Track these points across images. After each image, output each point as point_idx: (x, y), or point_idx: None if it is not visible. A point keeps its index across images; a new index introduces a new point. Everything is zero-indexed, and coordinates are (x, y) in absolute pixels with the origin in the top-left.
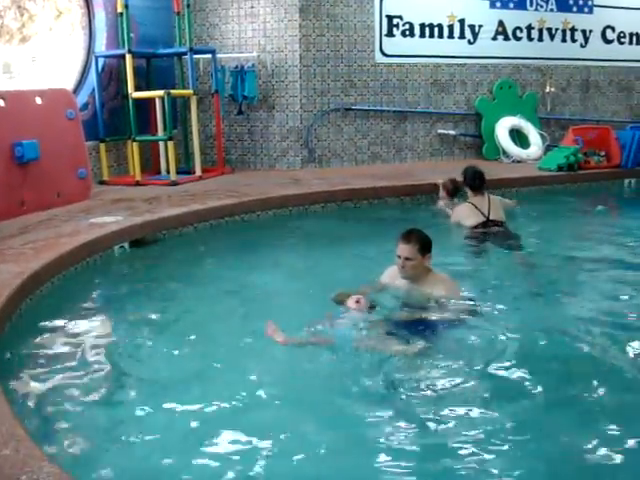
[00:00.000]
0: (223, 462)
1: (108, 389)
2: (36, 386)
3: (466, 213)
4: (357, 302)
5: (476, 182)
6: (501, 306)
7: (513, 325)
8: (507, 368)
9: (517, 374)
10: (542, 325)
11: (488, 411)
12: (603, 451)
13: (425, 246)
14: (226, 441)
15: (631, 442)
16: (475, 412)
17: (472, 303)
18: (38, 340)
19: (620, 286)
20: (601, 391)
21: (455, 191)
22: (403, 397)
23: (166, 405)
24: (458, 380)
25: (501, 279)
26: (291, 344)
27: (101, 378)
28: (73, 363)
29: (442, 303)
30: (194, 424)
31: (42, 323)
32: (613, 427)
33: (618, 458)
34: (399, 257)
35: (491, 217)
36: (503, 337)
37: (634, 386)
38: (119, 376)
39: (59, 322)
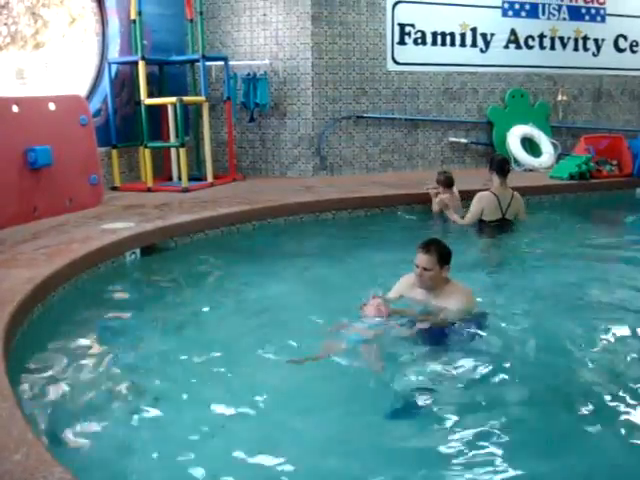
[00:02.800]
0: (234, 467)
1: (118, 395)
2: (47, 391)
3: (491, 208)
4: (378, 309)
5: (505, 168)
6: (516, 313)
7: (527, 335)
8: (516, 379)
9: (526, 385)
10: (555, 333)
11: (494, 420)
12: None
13: (444, 257)
14: (234, 446)
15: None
16: (481, 421)
17: (486, 313)
18: (49, 346)
19: (633, 289)
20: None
21: (448, 181)
22: (409, 403)
23: (177, 411)
24: (466, 389)
25: (515, 280)
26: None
27: (111, 384)
28: (84, 369)
29: (457, 314)
30: (206, 430)
31: (53, 329)
32: None
33: None
34: (417, 266)
35: (507, 216)
36: (516, 349)
37: None
38: (129, 383)
39: (70, 328)
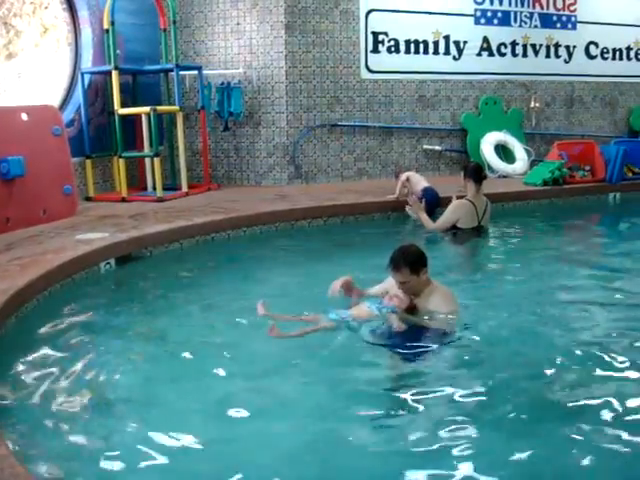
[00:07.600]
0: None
1: (93, 408)
2: (20, 404)
3: (468, 217)
4: (393, 297)
5: (481, 174)
6: (492, 318)
7: (504, 340)
8: (492, 381)
9: (503, 386)
10: (532, 337)
11: (478, 421)
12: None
13: (416, 264)
14: (216, 453)
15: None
16: (460, 419)
17: (462, 318)
18: (23, 358)
19: (607, 294)
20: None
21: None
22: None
23: (153, 423)
24: (443, 389)
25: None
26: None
27: (86, 397)
28: (58, 381)
29: (435, 314)
30: (188, 442)
31: (27, 341)
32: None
33: None
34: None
35: (482, 223)
36: (494, 353)
37: None
38: (104, 395)
39: (44, 340)
